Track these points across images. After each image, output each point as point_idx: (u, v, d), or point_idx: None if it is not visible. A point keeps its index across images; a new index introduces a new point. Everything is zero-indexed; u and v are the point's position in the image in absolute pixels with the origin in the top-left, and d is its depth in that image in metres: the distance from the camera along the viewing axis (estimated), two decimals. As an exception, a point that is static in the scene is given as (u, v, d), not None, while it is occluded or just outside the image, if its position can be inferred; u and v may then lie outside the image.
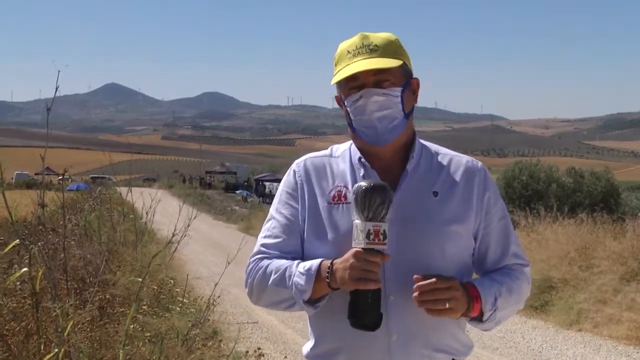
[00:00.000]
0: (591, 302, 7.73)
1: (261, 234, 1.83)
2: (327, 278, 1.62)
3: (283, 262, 1.72)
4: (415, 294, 1.60)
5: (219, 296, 5.38)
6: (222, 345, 5.52)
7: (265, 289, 1.73)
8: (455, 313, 1.64)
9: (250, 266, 1.78)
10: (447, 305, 1.60)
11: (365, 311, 1.59)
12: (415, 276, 1.62)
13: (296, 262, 1.70)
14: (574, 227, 9.67)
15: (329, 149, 1.89)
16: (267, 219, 1.85)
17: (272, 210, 1.84)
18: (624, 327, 7.06)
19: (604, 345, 6.83)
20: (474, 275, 1.84)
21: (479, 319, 1.72)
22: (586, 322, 7.52)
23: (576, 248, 8.94)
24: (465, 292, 1.66)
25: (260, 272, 1.74)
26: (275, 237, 1.78)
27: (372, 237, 1.57)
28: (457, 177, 1.78)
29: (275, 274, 1.71)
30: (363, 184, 1.60)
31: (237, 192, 50.10)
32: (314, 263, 1.66)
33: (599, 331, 7.25)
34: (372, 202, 1.57)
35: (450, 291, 1.61)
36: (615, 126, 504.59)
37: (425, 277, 1.61)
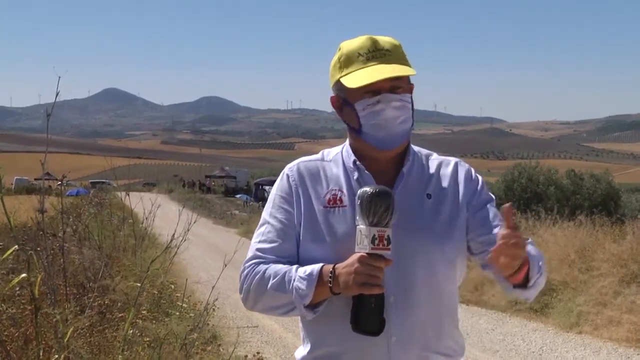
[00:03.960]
0: (591, 305, 7.73)
1: (255, 239, 1.81)
2: (330, 283, 1.62)
3: (281, 267, 1.71)
4: (501, 241, 1.48)
5: (216, 299, 5.38)
6: (222, 350, 5.52)
7: (263, 294, 1.72)
8: (511, 270, 1.54)
9: (245, 271, 1.76)
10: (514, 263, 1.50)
11: (368, 316, 1.60)
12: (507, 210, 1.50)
13: (295, 266, 1.69)
14: (574, 229, 9.67)
15: (320, 153, 1.90)
16: (260, 223, 1.83)
17: (266, 214, 1.82)
18: (624, 330, 7.05)
19: (604, 348, 6.82)
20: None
21: (522, 285, 1.63)
22: (586, 325, 7.52)
23: (576, 250, 8.94)
24: None
25: (257, 276, 1.73)
26: (271, 241, 1.77)
27: (377, 242, 1.57)
28: (446, 178, 1.81)
29: (273, 278, 1.69)
30: (368, 189, 1.60)
31: (238, 196, 50.00)
32: (314, 267, 1.65)
33: (599, 333, 7.24)
34: (377, 207, 1.57)
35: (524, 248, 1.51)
36: (615, 128, 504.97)
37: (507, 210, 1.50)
